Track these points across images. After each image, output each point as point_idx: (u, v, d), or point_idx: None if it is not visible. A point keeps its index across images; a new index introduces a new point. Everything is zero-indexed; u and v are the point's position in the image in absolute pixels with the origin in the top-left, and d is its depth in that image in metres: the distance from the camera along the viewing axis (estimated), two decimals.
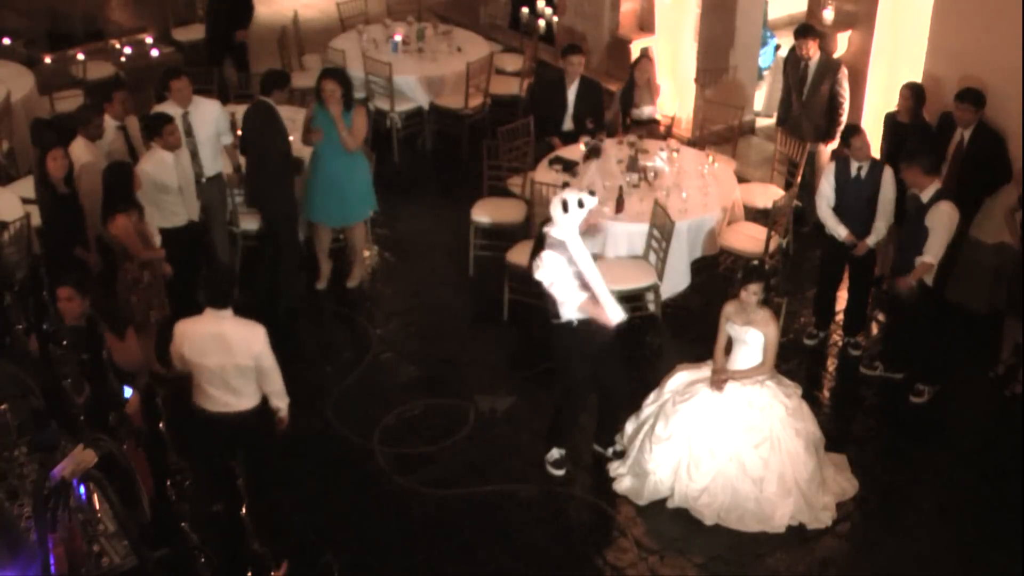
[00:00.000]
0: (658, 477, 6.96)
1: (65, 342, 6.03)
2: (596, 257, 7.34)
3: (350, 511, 6.98)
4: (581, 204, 6.63)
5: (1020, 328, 7.90)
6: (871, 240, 7.98)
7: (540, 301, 7.14)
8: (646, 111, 10.09)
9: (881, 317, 8.75)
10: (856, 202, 7.95)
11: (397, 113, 11.12)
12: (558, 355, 7.13)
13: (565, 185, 8.51)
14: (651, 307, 8.64)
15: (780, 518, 6.78)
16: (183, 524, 5.93)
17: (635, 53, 11.12)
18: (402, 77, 11.08)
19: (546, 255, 6.64)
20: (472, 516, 6.95)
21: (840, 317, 8.60)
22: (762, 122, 11.57)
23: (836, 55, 9.82)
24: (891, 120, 8.87)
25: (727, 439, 6.80)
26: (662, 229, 8.28)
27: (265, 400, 6.26)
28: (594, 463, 7.34)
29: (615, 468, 7.22)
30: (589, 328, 6.85)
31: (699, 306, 8.76)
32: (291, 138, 8.92)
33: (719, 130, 10.54)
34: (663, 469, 6.95)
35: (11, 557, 4.26)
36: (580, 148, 9.34)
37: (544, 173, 9.10)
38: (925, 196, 7.46)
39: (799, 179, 9.40)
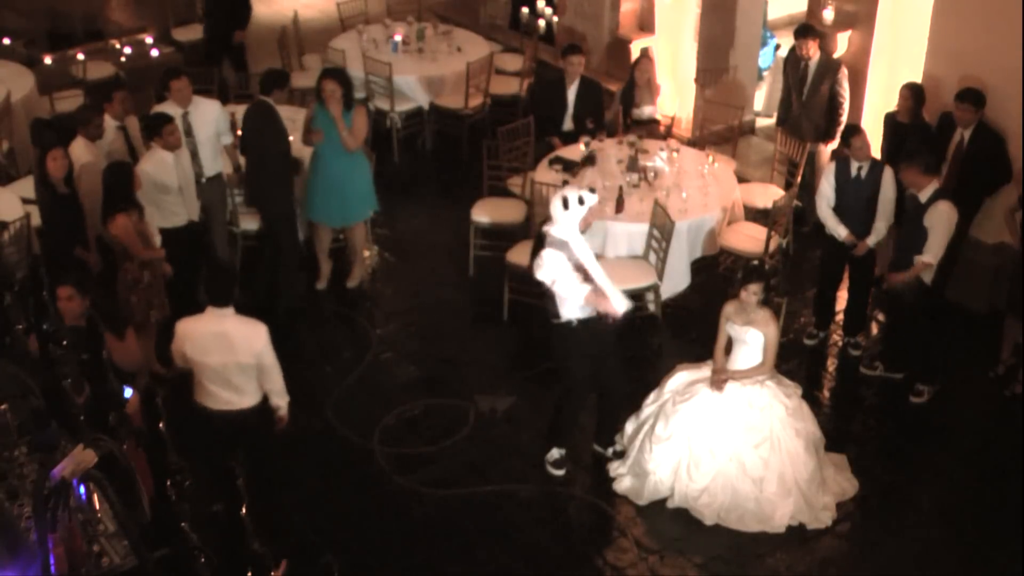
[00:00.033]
0: (658, 477, 6.96)
1: (65, 342, 6.04)
2: (596, 257, 7.35)
3: (350, 511, 6.98)
4: (581, 201, 6.64)
5: (1020, 328, 7.90)
6: (871, 240, 7.98)
7: (540, 301, 7.14)
8: (646, 111, 10.09)
9: (881, 317, 8.75)
10: (856, 202, 7.95)
11: (397, 113, 11.12)
12: (558, 355, 7.13)
13: (565, 183, 8.52)
14: (651, 307, 8.64)
15: (780, 518, 6.78)
16: (183, 524, 5.93)
17: (635, 53, 11.12)
18: (402, 77, 11.08)
19: (546, 254, 6.64)
20: (472, 516, 6.95)
21: (840, 317, 8.60)
22: (762, 122, 11.57)
23: (836, 55, 9.81)
24: (891, 120, 8.87)
25: (727, 439, 6.80)
26: (662, 229, 8.28)
27: (266, 398, 6.26)
28: (594, 463, 7.34)
29: (615, 468, 7.22)
30: (589, 328, 6.86)
31: (699, 306, 8.75)
32: (291, 138, 8.92)
33: (719, 130, 10.54)
34: (663, 469, 6.95)
35: (11, 557, 4.26)
36: (580, 148, 9.33)
37: (544, 173, 9.10)
38: (923, 196, 7.46)
39: (799, 179, 9.40)
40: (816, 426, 7.00)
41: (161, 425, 6.30)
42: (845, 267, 8.35)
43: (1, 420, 5.16)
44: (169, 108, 8.41)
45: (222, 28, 11.72)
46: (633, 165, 9.04)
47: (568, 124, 9.90)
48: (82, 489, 4.51)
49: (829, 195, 8.06)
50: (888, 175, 7.89)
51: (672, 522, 6.87)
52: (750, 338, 6.78)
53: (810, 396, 7.56)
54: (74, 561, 4.33)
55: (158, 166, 7.91)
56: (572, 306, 6.77)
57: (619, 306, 6.72)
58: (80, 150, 7.96)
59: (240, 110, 9.10)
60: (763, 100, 11.88)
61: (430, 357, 8.41)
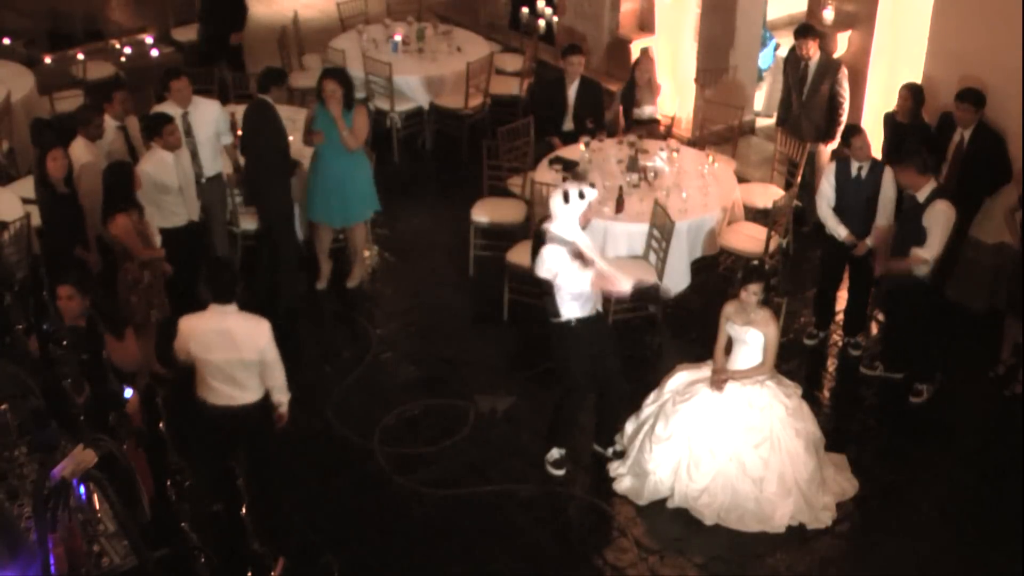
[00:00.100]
0: (658, 477, 6.96)
1: (65, 342, 6.04)
2: None
3: (350, 511, 6.98)
4: (582, 195, 6.66)
5: (1020, 328, 7.90)
6: (871, 240, 7.98)
7: (540, 301, 7.14)
8: (647, 111, 10.10)
9: (881, 317, 8.74)
10: (856, 202, 7.95)
11: (397, 113, 11.12)
12: (558, 355, 7.13)
13: (565, 179, 8.54)
14: (651, 307, 8.64)
15: (780, 518, 6.78)
16: (183, 524, 5.93)
17: (635, 53, 11.12)
18: (402, 77, 11.08)
19: (545, 250, 6.65)
20: (472, 516, 6.95)
21: (840, 317, 8.60)
22: (762, 122, 11.57)
23: (836, 55, 9.81)
24: (891, 120, 8.88)
25: (727, 439, 6.80)
26: (662, 229, 8.28)
27: (268, 395, 6.28)
28: (594, 463, 7.34)
29: (615, 468, 7.22)
30: (589, 327, 6.86)
31: (699, 306, 8.76)
32: (291, 138, 8.93)
33: (719, 130, 10.54)
34: (663, 469, 6.95)
35: (11, 557, 4.26)
36: (580, 148, 9.34)
37: (544, 173, 9.11)
38: (921, 196, 7.46)
39: (799, 179, 9.40)
40: (816, 426, 7.00)
41: (161, 425, 6.29)
42: (845, 267, 8.35)
43: (1, 420, 5.16)
44: (169, 108, 8.41)
45: (218, 30, 11.70)
46: (633, 165, 9.05)
47: (568, 124, 9.90)
48: (82, 489, 4.51)
49: (829, 195, 8.06)
50: (888, 175, 7.88)
51: (672, 522, 6.87)
52: (750, 338, 6.78)
53: (810, 396, 7.56)
54: (74, 561, 4.33)
55: (158, 166, 7.91)
56: (573, 305, 6.78)
57: (624, 285, 6.72)
58: (80, 150, 7.96)
59: (240, 110, 9.10)
60: (763, 100, 11.88)
61: (430, 357, 8.41)
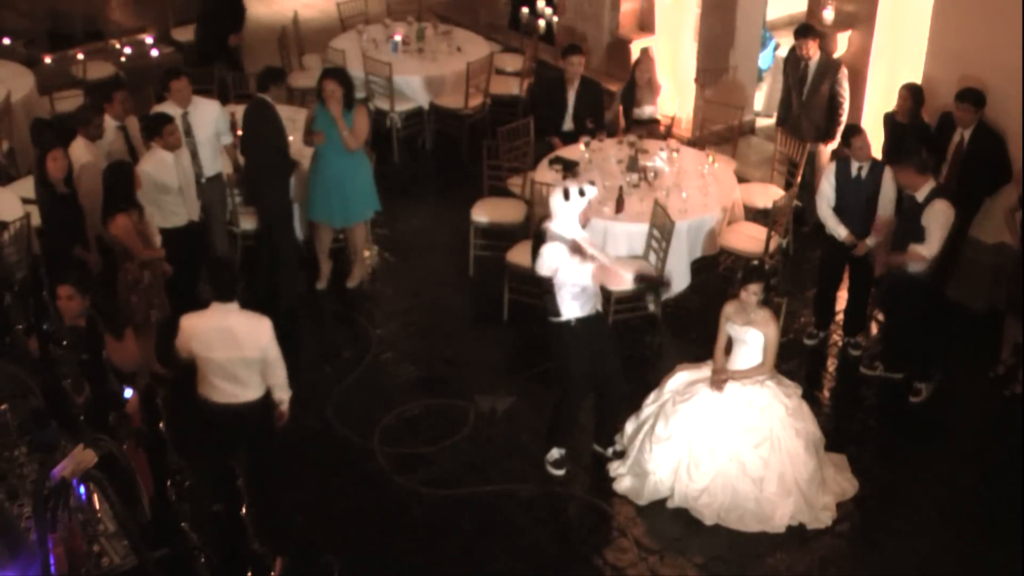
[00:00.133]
0: (658, 477, 6.96)
1: (65, 342, 6.03)
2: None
3: (350, 511, 6.99)
4: (582, 193, 6.68)
5: (1020, 328, 7.90)
6: (871, 240, 7.98)
7: (540, 301, 7.14)
8: (647, 110, 10.10)
9: (881, 317, 8.74)
10: (856, 202, 7.95)
11: (397, 113, 11.12)
12: (557, 354, 7.13)
13: (565, 178, 8.55)
14: (651, 307, 8.64)
15: (780, 518, 6.78)
16: (183, 524, 5.92)
17: (635, 53, 11.11)
18: (402, 77, 11.08)
19: (545, 248, 6.65)
20: (472, 516, 6.95)
21: (840, 317, 8.60)
22: (762, 122, 11.57)
23: (836, 55, 9.81)
24: (890, 120, 8.88)
25: (727, 439, 6.80)
26: (662, 229, 8.28)
27: (269, 392, 6.30)
28: (594, 463, 7.34)
29: (615, 468, 7.22)
30: (588, 327, 6.86)
31: (699, 306, 8.76)
32: (291, 138, 8.93)
33: (719, 130, 10.54)
34: (663, 469, 6.95)
35: (11, 557, 4.25)
36: (580, 148, 9.34)
37: (544, 173, 9.11)
38: (920, 195, 7.46)
39: (799, 179, 9.40)
40: (816, 426, 7.01)
41: (161, 425, 6.29)
42: (845, 267, 8.35)
43: (1, 420, 5.16)
44: (169, 108, 8.41)
45: (216, 30, 11.68)
46: (633, 165, 9.05)
47: (568, 124, 9.90)
48: (82, 489, 4.50)
49: (829, 195, 8.06)
50: (888, 175, 7.88)
51: (672, 522, 6.87)
52: (750, 338, 6.78)
53: (810, 396, 7.56)
54: (74, 561, 4.32)
55: (158, 166, 7.91)
56: (573, 304, 6.77)
57: (625, 277, 6.74)
58: (80, 150, 7.96)
59: (240, 110, 9.10)
60: (763, 100, 11.88)
61: (430, 357, 8.41)
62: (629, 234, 8.51)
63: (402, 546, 6.74)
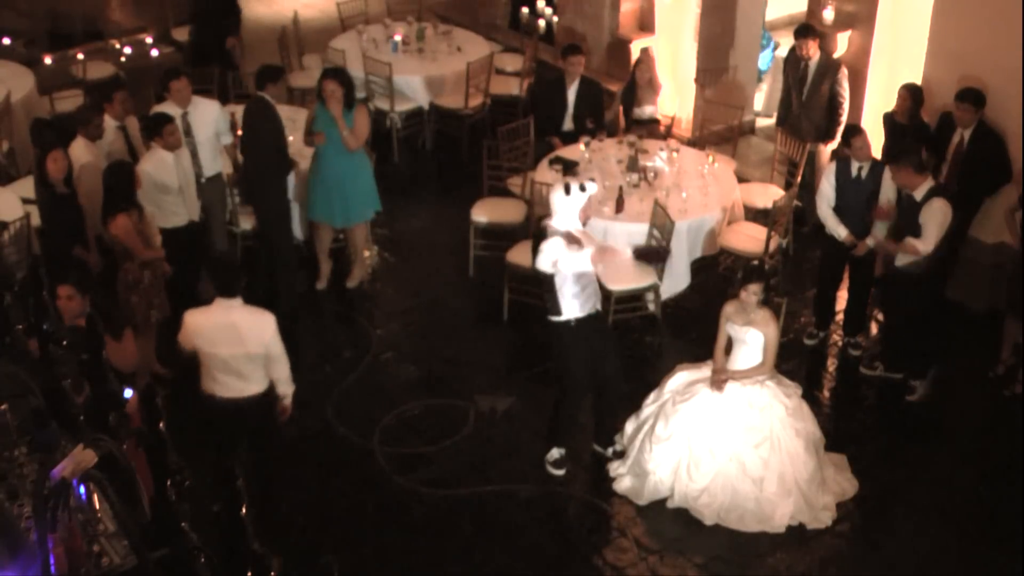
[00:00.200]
0: (658, 477, 6.96)
1: (65, 342, 6.04)
2: None
3: (350, 511, 6.98)
4: (583, 188, 6.71)
5: (1020, 328, 7.90)
6: (871, 240, 7.98)
7: (540, 301, 7.14)
8: (647, 110, 10.10)
9: (881, 317, 8.74)
10: (856, 202, 7.95)
11: (397, 113, 11.12)
12: (557, 354, 7.14)
13: (566, 175, 8.56)
14: (651, 307, 8.64)
15: (780, 518, 6.77)
16: (183, 524, 5.93)
17: (635, 53, 11.11)
18: (402, 77, 11.08)
19: (544, 244, 6.65)
20: (472, 516, 6.95)
21: (840, 317, 8.60)
22: (762, 122, 11.57)
23: (836, 55, 9.81)
24: (890, 120, 8.88)
25: (727, 439, 6.80)
26: (662, 229, 8.28)
27: (271, 387, 6.32)
28: (594, 463, 7.34)
29: (615, 468, 7.22)
30: (588, 326, 6.87)
31: (699, 306, 8.76)
32: (291, 138, 8.92)
33: (719, 130, 10.54)
34: (663, 469, 6.94)
35: (11, 557, 4.25)
36: (580, 148, 9.34)
37: (544, 173, 9.11)
38: (918, 194, 7.46)
39: (799, 179, 9.40)
40: (816, 426, 7.00)
41: (161, 425, 6.30)
42: (845, 267, 8.35)
43: (1, 420, 5.16)
44: (168, 108, 8.41)
45: (211, 32, 11.65)
46: (633, 165, 9.05)
47: (568, 124, 9.90)
48: (82, 489, 4.50)
49: (829, 195, 8.06)
50: (888, 175, 7.88)
51: (672, 522, 6.87)
52: (750, 338, 6.78)
53: (810, 396, 7.56)
54: (74, 561, 4.33)
55: (158, 166, 7.91)
56: (574, 303, 6.78)
57: (625, 254, 6.82)
58: (80, 150, 7.96)
59: (240, 110, 9.10)
60: (763, 100, 11.88)
61: (430, 357, 8.41)
62: (629, 234, 8.50)
63: (402, 546, 6.74)
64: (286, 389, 6.37)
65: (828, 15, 10.04)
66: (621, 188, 8.68)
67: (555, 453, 7.26)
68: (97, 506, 4.62)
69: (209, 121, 8.63)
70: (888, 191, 7.87)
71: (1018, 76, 8.13)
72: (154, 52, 12.94)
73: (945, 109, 8.53)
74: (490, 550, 6.70)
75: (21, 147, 9.82)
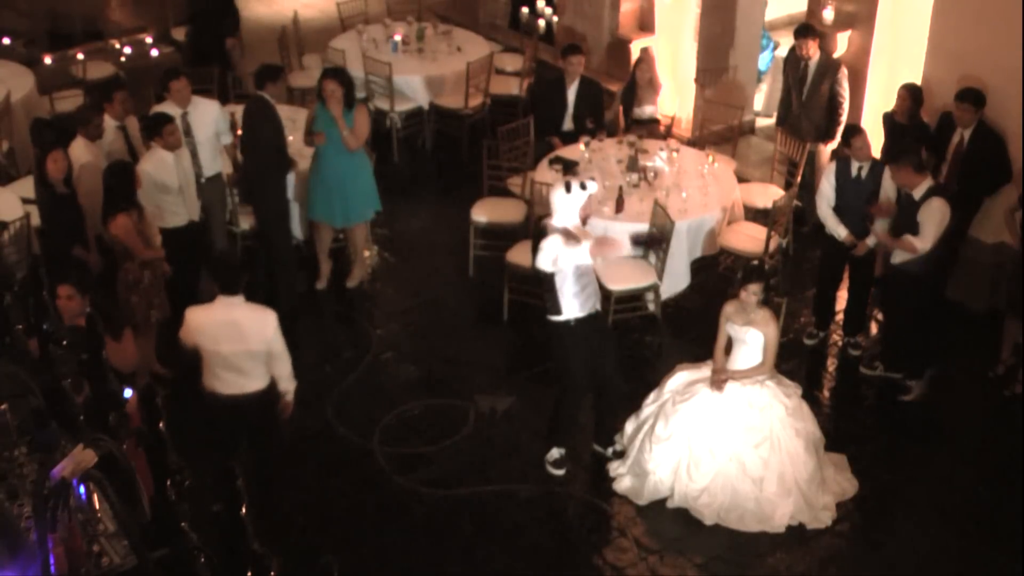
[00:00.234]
0: (658, 477, 6.96)
1: (65, 342, 6.03)
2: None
3: (350, 511, 6.98)
4: (584, 186, 6.72)
5: (1020, 328, 7.90)
6: (871, 240, 7.98)
7: (540, 301, 7.14)
8: (647, 110, 10.11)
9: (881, 317, 8.74)
10: (856, 202, 7.95)
11: (397, 113, 11.12)
12: (556, 354, 7.14)
13: (566, 175, 8.57)
14: (651, 307, 8.64)
15: (780, 518, 6.78)
16: (183, 524, 5.93)
17: (635, 53, 11.11)
18: (402, 77, 11.08)
19: (543, 242, 6.65)
20: (472, 516, 6.95)
21: (840, 317, 8.59)
22: (762, 122, 11.56)
23: (836, 55, 9.81)
24: (889, 120, 8.88)
25: (727, 439, 6.80)
26: (662, 229, 8.27)
27: (272, 383, 6.35)
28: (594, 463, 7.34)
29: (615, 468, 7.22)
30: (587, 326, 6.86)
31: (699, 306, 8.75)
32: (291, 138, 8.92)
33: (719, 130, 10.54)
34: (663, 469, 6.94)
35: (11, 557, 4.25)
36: (580, 148, 9.34)
37: (544, 173, 9.11)
38: (917, 193, 7.47)
39: (799, 179, 9.40)
40: (816, 426, 7.00)
41: (161, 425, 6.29)
42: (845, 267, 8.35)
43: (1, 420, 5.16)
44: (168, 108, 8.41)
45: (209, 34, 11.64)
46: (633, 165, 9.05)
47: (568, 124, 9.90)
48: (82, 489, 4.50)
49: (829, 195, 8.06)
50: (888, 175, 7.88)
51: (672, 522, 6.87)
52: (750, 338, 6.78)
53: (810, 396, 7.56)
54: (74, 561, 4.32)
55: (158, 166, 7.91)
56: (574, 302, 6.78)
57: (624, 244, 6.85)
58: (80, 150, 7.96)
59: (239, 110, 9.10)
60: (763, 100, 11.88)
61: (430, 357, 8.41)
62: (629, 234, 8.49)
63: (402, 546, 6.74)
64: (288, 386, 6.40)
65: (828, 15, 10.04)
66: (621, 188, 8.68)
67: (555, 453, 7.26)
68: (97, 506, 4.62)
69: (209, 121, 8.63)
70: (888, 190, 7.87)
71: (1018, 76, 8.13)
72: (154, 52, 12.94)
73: (945, 109, 8.53)
74: (490, 550, 6.71)
75: (21, 147, 9.82)
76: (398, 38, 11.59)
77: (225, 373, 6.24)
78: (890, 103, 9.03)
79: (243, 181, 8.83)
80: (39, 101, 10.64)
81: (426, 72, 11.28)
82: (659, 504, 6.95)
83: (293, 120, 9.54)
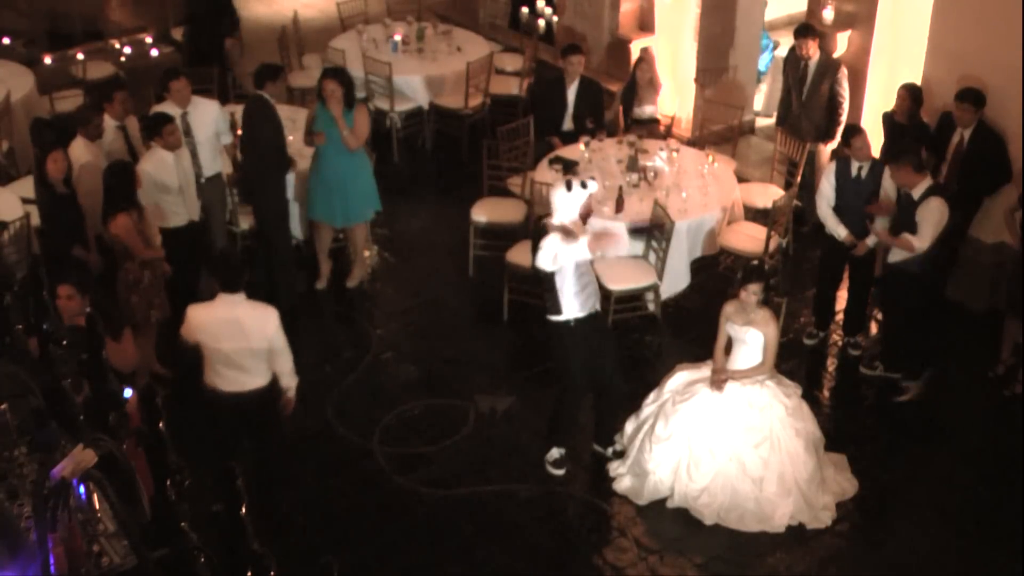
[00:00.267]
0: (658, 477, 6.96)
1: (65, 342, 6.02)
2: (596, 257, 7.39)
3: (350, 511, 6.98)
4: (584, 185, 6.73)
5: (1020, 328, 7.90)
6: (871, 240, 7.98)
7: (540, 301, 7.14)
8: (647, 110, 10.11)
9: (881, 317, 8.74)
10: (856, 202, 7.95)
11: (397, 113, 11.12)
12: (556, 354, 7.14)
13: (566, 175, 8.57)
14: (651, 307, 8.64)
15: (780, 518, 6.77)
16: (183, 524, 5.93)
17: (635, 53, 11.12)
18: (402, 77, 11.08)
19: (543, 241, 6.65)
20: (472, 516, 6.95)
21: (840, 317, 8.59)
22: (762, 122, 11.57)
23: (836, 55, 9.81)
24: (889, 120, 8.88)
25: (727, 439, 6.80)
26: (662, 229, 8.27)
27: (274, 380, 6.36)
28: (594, 463, 7.34)
29: (615, 468, 7.22)
30: (587, 326, 6.86)
31: (699, 306, 8.76)
32: (290, 138, 8.92)
33: (719, 130, 10.54)
34: (663, 469, 6.94)
35: (11, 557, 4.25)
36: (580, 148, 9.34)
37: (544, 173, 9.11)
38: (916, 193, 7.47)
39: (799, 179, 9.40)
40: (816, 426, 7.00)
41: (161, 425, 6.29)
42: (845, 267, 8.35)
43: (1, 420, 5.16)
44: (168, 108, 8.41)
45: (207, 35, 11.63)
46: (633, 165, 9.05)
47: (568, 124, 9.90)
48: (82, 489, 4.50)
49: (829, 195, 8.06)
50: (889, 175, 7.88)
51: (672, 522, 6.87)
52: (750, 338, 6.77)
53: (810, 396, 7.56)
54: (74, 561, 4.32)
55: (158, 166, 7.91)
56: (574, 302, 6.77)
57: (622, 235, 6.92)
58: (80, 150, 7.96)
59: (239, 110, 9.10)
60: (763, 100, 11.88)
61: (430, 357, 8.41)
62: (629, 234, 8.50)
63: (402, 546, 6.74)
64: (290, 382, 6.42)
65: (828, 15, 10.04)
66: (621, 188, 8.68)
67: (555, 453, 7.26)
68: (97, 506, 4.62)
69: (209, 121, 8.63)
70: (888, 190, 7.87)
71: (1018, 76, 8.13)
72: (154, 52, 12.95)
73: (945, 109, 8.53)
74: (490, 550, 6.71)
75: (21, 147, 9.83)
76: (398, 38, 11.59)
77: (226, 370, 6.25)
78: (890, 103, 9.03)
79: (242, 180, 8.83)
80: (39, 101, 10.65)
81: (426, 72, 11.28)
82: (659, 504, 6.95)
83: (293, 120, 9.54)
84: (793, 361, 8.23)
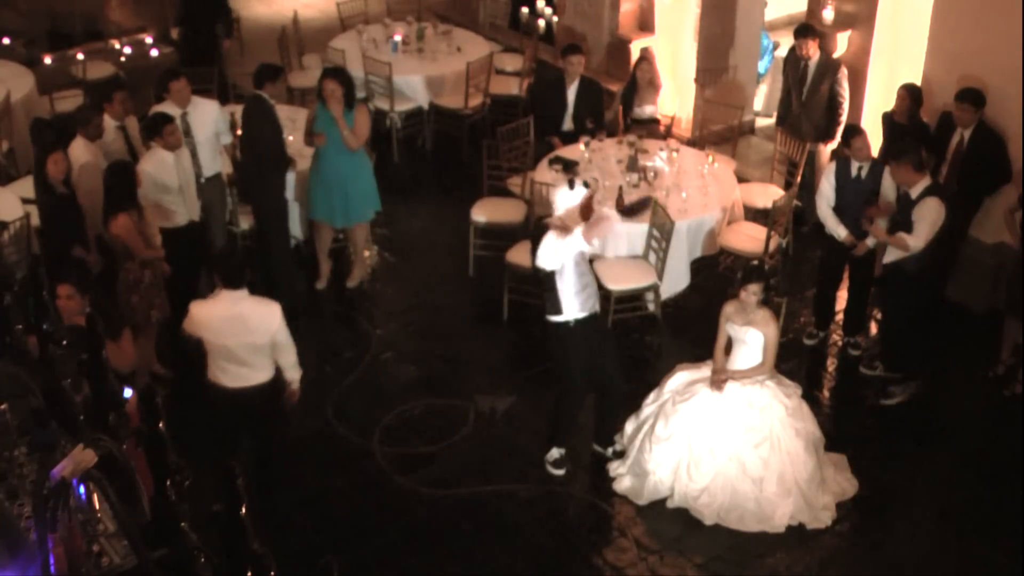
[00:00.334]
0: (658, 477, 6.96)
1: (65, 342, 6.02)
2: (596, 257, 7.39)
3: (350, 511, 6.98)
4: (586, 184, 6.76)
5: (1020, 328, 7.90)
6: (871, 240, 7.98)
7: (540, 301, 7.14)
8: (647, 110, 10.11)
9: (881, 317, 8.74)
10: (856, 202, 7.95)
11: (397, 113, 11.12)
12: (556, 354, 7.13)
13: (566, 175, 8.58)
14: (651, 307, 8.64)
15: (780, 518, 6.77)
16: (183, 524, 5.93)
17: (635, 53, 11.12)
18: (402, 77, 11.09)
19: (543, 242, 6.64)
20: (472, 516, 6.95)
21: (840, 317, 8.60)
22: (762, 122, 11.57)
23: (836, 55, 9.82)
24: (889, 120, 8.88)
25: (727, 439, 6.80)
26: (662, 229, 8.28)
27: (277, 374, 6.38)
28: (594, 463, 7.34)
29: (615, 468, 7.22)
30: (587, 326, 6.86)
31: (699, 306, 8.76)
32: (290, 138, 8.91)
33: (719, 130, 10.54)
34: (663, 469, 6.94)
35: (11, 557, 4.25)
36: (580, 148, 9.34)
37: (544, 173, 9.11)
38: (915, 192, 7.47)
39: (799, 179, 9.40)
40: (816, 426, 7.00)
41: (161, 425, 6.29)
42: (845, 267, 8.35)
43: (1, 420, 5.16)
44: (168, 108, 8.40)
45: (203, 35, 11.60)
46: (633, 165, 9.05)
47: (568, 124, 9.90)
48: (82, 489, 4.50)
49: (829, 195, 8.06)
50: (888, 175, 7.88)
51: (672, 522, 6.87)
52: (750, 338, 6.77)
53: (810, 396, 7.56)
54: (74, 561, 4.32)
55: (158, 166, 7.91)
56: (574, 302, 6.77)
57: (613, 219, 6.93)
58: (80, 150, 7.96)
59: (239, 110, 9.09)
60: (763, 100, 11.88)
61: (430, 357, 8.41)
62: (629, 234, 8.50)
63: (402, 546, 6.74)
64: (294, 374, 6.45)
65: (828, 15, 10.04)
66: (621, 188, 8.68)
67: (555, 453, 7.26)
68: (97, 506, 4.62)
69: (208, 121, 8.63)
70: (888, 190, 7.87)
71: (1018, 76, 8.13)
72: (154, 52, 12.94)
73: (945, 109, 8.53)
74: (490, 550, 6.71)
75: (21, 147, 9.82)
76: (398, 38, 11.59)
77: (230, 366, 6.28)
78: (890, 103, 9.03)
79: (242, 180, 8.83)
80: (39, 101, 10.65)
81: (426, 72, 11.29)
82: (659, 504, 6.95)
83: (293, 120, 9.54)
84: (793, 361, 8.23)
